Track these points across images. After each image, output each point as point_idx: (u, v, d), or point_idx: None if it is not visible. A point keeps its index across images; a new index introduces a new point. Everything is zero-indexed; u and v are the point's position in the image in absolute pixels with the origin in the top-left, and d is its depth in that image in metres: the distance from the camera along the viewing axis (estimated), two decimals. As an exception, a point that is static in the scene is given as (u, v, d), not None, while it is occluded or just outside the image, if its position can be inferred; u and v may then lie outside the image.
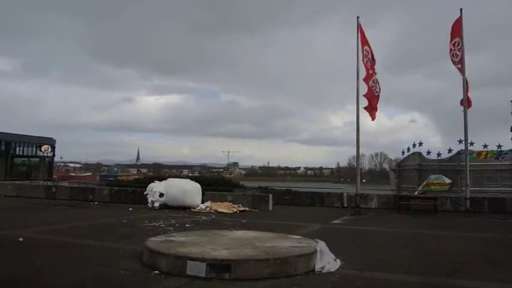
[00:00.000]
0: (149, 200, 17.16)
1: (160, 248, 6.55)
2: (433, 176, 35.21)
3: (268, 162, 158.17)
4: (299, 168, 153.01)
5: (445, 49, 19.26)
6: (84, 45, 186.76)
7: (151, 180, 19.67)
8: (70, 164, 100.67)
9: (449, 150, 36.16)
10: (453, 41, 18.92)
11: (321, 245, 6.75)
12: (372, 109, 19.99)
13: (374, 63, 20.11)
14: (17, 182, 27.25)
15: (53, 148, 45.27)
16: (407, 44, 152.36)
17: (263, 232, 8.80)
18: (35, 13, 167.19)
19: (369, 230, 12.19)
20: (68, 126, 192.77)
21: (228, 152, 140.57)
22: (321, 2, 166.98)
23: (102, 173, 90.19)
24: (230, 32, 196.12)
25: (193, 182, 18.13)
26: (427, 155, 37.71)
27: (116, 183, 28.32)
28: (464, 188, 20.58)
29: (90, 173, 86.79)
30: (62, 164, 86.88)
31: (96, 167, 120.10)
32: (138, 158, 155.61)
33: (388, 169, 53.08)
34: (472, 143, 29.50)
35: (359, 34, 20.07)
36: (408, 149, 39.57)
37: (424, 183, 35.11)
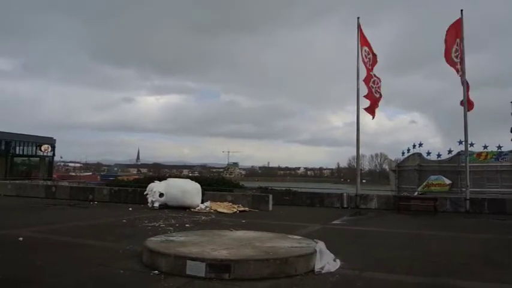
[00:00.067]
0: (149, 200, 17.16)
1: (160, 248, 6.55)
2: (433, 177, 35.20)
3: (268, 163, 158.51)
4: (299, 168, 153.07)
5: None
6: (84, 45, 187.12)
7: (151, 180, 19.67)
8: (70, 164, 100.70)
9: (449, 151, 36.17)
10: (455, 43, 18.88)
11: (321, 245, 6.76)
12: (372, 109, 20.00)
13: (375, 64, 20.11)
14: (17, 181, 27.22)
15: (53, 148, 45.27)
16: (407, 44, 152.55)
17: (263, 232, 8.80)
18: (35, 13, 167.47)
19: (369, 230, 12.20)
20: (68, 126, 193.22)
21: (228, 152, 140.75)
22: (321, 2, 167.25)
23: (102, 173, 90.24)
24: (230, 32, 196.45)
25: (193, 182, 18.12)
26: (427, 155, 37.72)
27: (116, 183, 28.33)
28: (464, 189, 20.59)
29: (90, 173, 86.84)
30: (62, 163, 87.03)
31: (96, 166, 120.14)
32: (138, 157, 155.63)
33: (388, 170, 53.10)
34: (472, 144, 29.46)
35: (359, 35, 20.09)
36: (408, 150, 39.59)
37: (424, 183, 35.11)
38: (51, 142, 45.22)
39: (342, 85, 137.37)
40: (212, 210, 16.13)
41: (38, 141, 44.01)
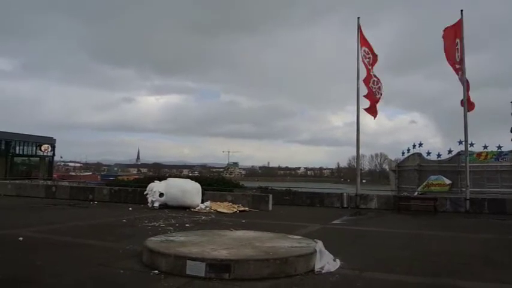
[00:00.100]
0: (149, 199, 17.16)
1: (160, 248, 6.55)
2: (433, 177, 35.20)
3: (269, 163, 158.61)
4: (299, 168, 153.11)
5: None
6: (84, 45, 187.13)
7: (151, 180, 19.68)
8: (70, 164, 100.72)
9: (449, 151, 36.18)
10: (455, 43, 18.90)
11: (320, 245, 6.76)
12: (373, 109, 20.00)
13: (375, 64, 20.11)
14: (17, 181, 27.24)
15: (53, 147, 45.31)
16: (407, 44, 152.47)
17: (263, 232, 8.80)
18: (35, 13, 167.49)
19: (369, 230, 12.20)
20: (68, 126, 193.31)
21: (228, 152, 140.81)
22: (321, 2, 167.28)
23: (103, 173, 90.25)
24: (230, 32, 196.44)
25: (193, 181, 18.12)
26: (427, 155, 37.72)
27: (116, 182, 28.33)
28: (464, 189, 20.59)
29: (90, 173, 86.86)
30: (62, 163, 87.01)
31: (96, 166, 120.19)
32: (138, 157, 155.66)
33: (388, 170, 53.13)
34: (472, 144, 29.46)
35: (359, 35, 20.09)
36: (408, 150, 39.59)
37: (424, 183, 35.11)
38: (51, 142, 45.26)
39: (342, 85, 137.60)
40: (212, 210, 16.14)
41: (38, 141, 44.04)
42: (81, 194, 20.92)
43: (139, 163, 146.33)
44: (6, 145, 41.08)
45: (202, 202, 17.19)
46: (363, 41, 20.10)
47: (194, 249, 6.49)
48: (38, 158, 44.98)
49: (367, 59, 19.88)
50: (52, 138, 46.08)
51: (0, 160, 39.77)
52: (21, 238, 8.64)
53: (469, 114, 18.98)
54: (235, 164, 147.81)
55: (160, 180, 18.44)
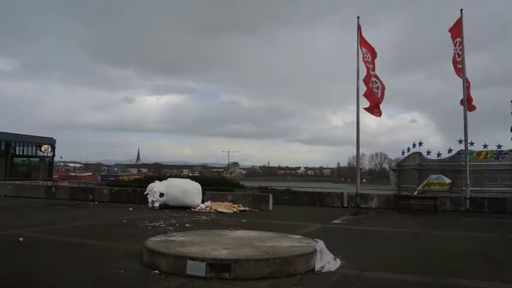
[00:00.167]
0: (149, 200, 17.17)
1: (160, 248, 6.55)
2: (433, 176, 35.23)
3: (269, 162, 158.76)
4: (299, 168, 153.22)
5: (446, 49, 19.44)
6: (84, 45, 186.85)
7: (151, 180, 19.69)
8: (70, 164, 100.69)
9: (449, 150, 36.24)
10: (455, 42, 18.96)
11: (320, 245, 6.76)
12: (373, 109, 19.99)
13: (375, 59, 20.09)
14: (17, 182, 27.22)
15: (53, 148, 45.29)
16: (408, 44, 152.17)
17: (263, 232, 8.81)
18: (35, 13, 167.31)
19: (369, 229, 12.20)
20: (68, 126, 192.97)
21: (229, 152, 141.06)
22: (321, 1, 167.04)
23: (103, 173, 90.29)
24: (230, 32, 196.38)
25: (193, 181, 18.13)
26: (427, 155, 37.76)
27: (116, 183, 28.36)
28: (464, 188, 20.60)
29: (91, 173, 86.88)
30: (62, 163, 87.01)
31: (97, 166, 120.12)
32: (138, 157, 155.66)
33: (388, 169, 53.14)
34: (472, 143, 29.55)
35: (359, 34, 20.10)
36: (408, 149, 39.64)
37: (424, 183, 35.14)
38: (51, 142, 45.24)
39: (342, 85, 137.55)
40: (212, 210, 16.14)
41: (38, 141, 44.02)
42: (81, 195, 20.93)
43: (139, 163, 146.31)
44: (6, 146, 41.06)
45: (202, 202, 17.19)
46: (362, 40, 20.11)
47: (194, 249, 6.50)
48: (38, 159, 44.96)
49: (367, 58, 19.88)
50: (52, 138, 46.09)
51: (0, 161, 39.77)
52: (21, 239, 8.64)
53: (469, 113, 19.04)
54: (236, 163, 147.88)
55: (160, 180, 18.44)
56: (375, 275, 6.39)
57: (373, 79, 19.70)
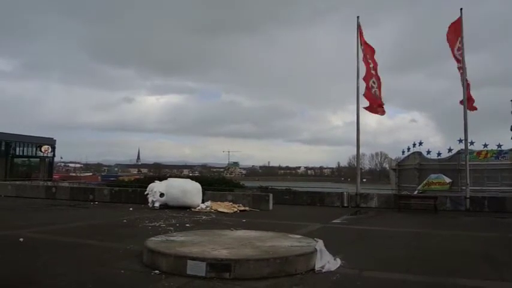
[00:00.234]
0: (150, 200, 17.17)
1: (161, 248, 6.55)
2: (433, 176, 35.28)
3: (269, 162, 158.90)
4: (299, 167, 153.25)
5: (446, 49, 19.35)
6: (84, 45, 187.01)
7: (151, 180, 19.69)
8: (70, 164, 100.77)
9: (449, 150, 36.33)
10: (457, 41, 18.94)
11: (320, 244, 6.76)
12: (374, 108, 19.99)
13: (374, 56, 20.09)
14: (17, 182, 27.24)
15: (53, 148, 45.28)
16: (408, 43, 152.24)
17: (263, 232, 8.81)
18: (35, 13, 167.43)
19: (369, 229, 12.19)
20: (68, 126, 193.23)
21: (229, 151, 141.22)
22: (321, 1, 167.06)
23: (103, 173, 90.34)
24: (230, 32, 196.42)
25: (193, 181, 18.13)
26: (427, 154, 37.81)
27: (117, 183, 28.36)
28: (464, 188, 20.61)
29: (91, 173, 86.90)
30: (62, 164, 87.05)
31: (97, 167, 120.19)
32: (138, 158, 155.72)
33: (388, 168, 53.20)
34: (472, 143, 29.61)
35: (359, 34, 20.10)
36: (408, 149, 39.71)
37: (424, 182, 35.18)
38: (51, 143, 45.24)
39: (342, 85, 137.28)
40: (213, 210, 16.14)
41: (38, 141, 44.01)
42: (81, 195, 20.94)
43: (139, 163, 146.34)
44: (6, 146, 41.05)
45: (202, 202, 17.20)
46: (362, 40, 20.11)
47: (195, 249, 6.50)
48: (38, 159, 44.95)
49: (367, 57, 19.87)
50: (52, 139, 46.09)
51: (0, 161, 39.77)
52: (21, 239, 8.64)
53: (469, 113, 19.06)
54: (236, 163, 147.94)
55: (160, 180, 18.45)
56: (375, 274, 6.39)
57: (373, 79, 19.68)
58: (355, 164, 26.10)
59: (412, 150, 39.09)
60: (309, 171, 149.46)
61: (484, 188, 30.35)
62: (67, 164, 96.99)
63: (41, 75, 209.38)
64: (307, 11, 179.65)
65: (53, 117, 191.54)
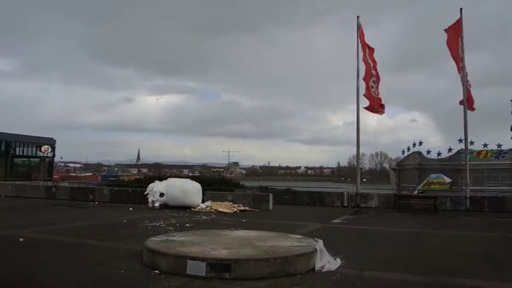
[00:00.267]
0: (150, 199, 17.17)
1: (161, 248, 6.55)
2: (433, 175, 35.27)
3: (269, 162, 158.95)
4: (299, 167, 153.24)
5: (446, 49, 19.33)
6: (84, 45, 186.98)
7: (151, 180, 19.70)
8: (70, 164, 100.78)
9: (449, 150, 36.30)
10: (458, 41, 18.95)
11: (320, 244, 6.76)
12: (375, 108, 20.00)
13: (375, 63, 20.10)
14: (17, 182, 27.24)
15: (53, 148, 45.28)
16: (408, 43, 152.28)
17: (263, 231, 8.80)
18: (35, 13, 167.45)
19: (369, 229, 12.19)
20: (68, 126, 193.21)
21: (229, 151, 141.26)
22: (321, 1, 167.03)
23: (103, 173, 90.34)
24: (230, 32, 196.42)
25: (193, 181, 18.13)
26: (427, 154, 37.79)
27: (117, 183, 28.37)
28: (464, 187, 20.61)
29: (91, 173, 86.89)
30: (62, 164, 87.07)
31: (97, 167, 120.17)
32: (138, 158, 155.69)
33: (388, 168, 53.19)
34: (472, 143, 29.61)
35: (359, 34, 20.10)
36: (408, 149, 39.69)
37: (424, 182, 35.18)
38: (51, 143, 45.23)
39: (342, 85, 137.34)
40: (213, 210, 16.14)
41: (38, 141, 44.01)
42: (81, 195, 20.93)
43: (139, 163, 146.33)
44: (6, 146, 41.05)
45: (202, 202, 17.20)
46: (363, 40, 20.11)
47: (195, 249, 6.50)
48: (38, 159, 44.95)
49: (367, 57, 19.87)
50: (52, 139, 46.08)
51: (0, 161, 39.77)
52: (21, 239, 8.64)
53: (469, 113, 19.07)
54: (236, 163, 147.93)
55: (160, 180, 18.44)
56: (375, 274, 6.38)
57: (373, 78, 19.68)
58: (355, 164, 26.11)
59: (412, 150, 39.09)
60: (309, 171, 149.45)
61: (484, 187, 30.34)
62: (67, 164, 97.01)
63: (41, 75, 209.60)
64: (307, 11, 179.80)
65: (53, 117, 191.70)
